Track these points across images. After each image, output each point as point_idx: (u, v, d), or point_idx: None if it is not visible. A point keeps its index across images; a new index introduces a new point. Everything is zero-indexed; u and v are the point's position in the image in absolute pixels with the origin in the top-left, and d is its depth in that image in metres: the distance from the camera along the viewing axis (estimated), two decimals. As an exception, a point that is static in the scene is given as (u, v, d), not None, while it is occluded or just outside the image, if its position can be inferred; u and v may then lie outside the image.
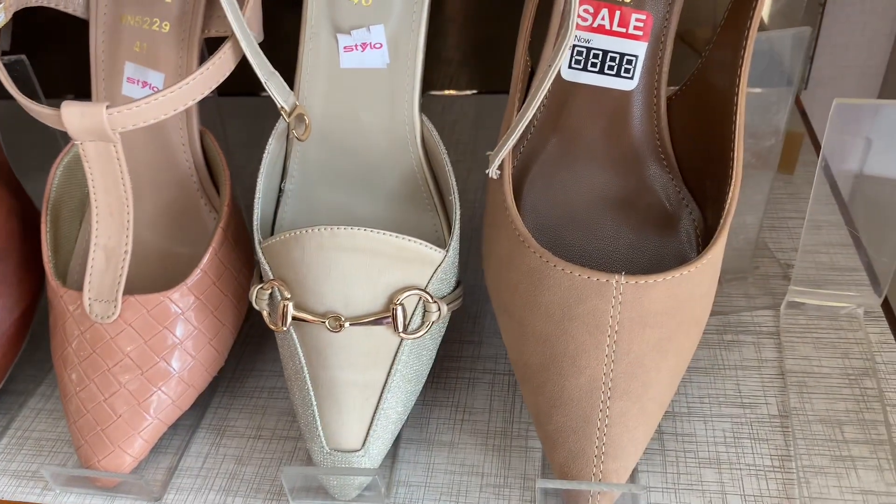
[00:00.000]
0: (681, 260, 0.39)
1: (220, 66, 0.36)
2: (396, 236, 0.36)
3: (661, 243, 0.40)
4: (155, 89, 0.43)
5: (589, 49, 0.38)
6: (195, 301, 0.40)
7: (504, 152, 0.35)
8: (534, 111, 0.33)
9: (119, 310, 0.39)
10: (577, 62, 0.38)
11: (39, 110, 0.35)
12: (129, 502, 0.40)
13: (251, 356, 0.47)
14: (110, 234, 0.39)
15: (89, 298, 0.39)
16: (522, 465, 0.40)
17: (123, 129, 0.35)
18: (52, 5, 0.41)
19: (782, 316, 0.46)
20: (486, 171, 0.35)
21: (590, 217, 0.40)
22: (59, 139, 0.50)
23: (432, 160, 0.40)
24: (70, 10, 0.43)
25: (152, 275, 0.44)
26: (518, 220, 0.35)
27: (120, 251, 0.39)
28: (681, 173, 0.39)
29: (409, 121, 0.40)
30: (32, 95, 0.48)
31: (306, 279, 0.36)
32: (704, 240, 0.39)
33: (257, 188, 0.39)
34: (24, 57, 0.46)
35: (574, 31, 0.32)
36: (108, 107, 0.34)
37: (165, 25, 0.42)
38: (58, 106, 0.34)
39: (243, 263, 0.43)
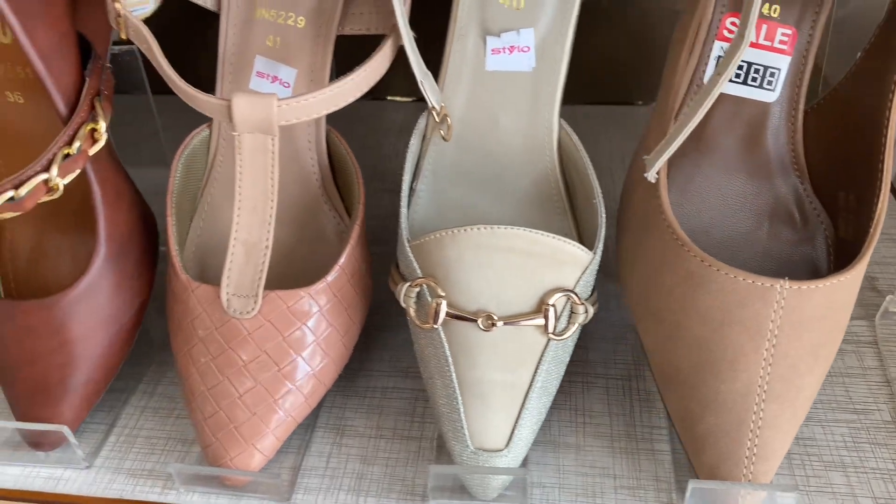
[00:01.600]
0: (812, 269, 0.40)
1: (382, 63, 0.36)
2: (553, 237, 0.36)
3: (792, 252, 0.41)
4: (286, 84, 0.42)
5: (735, 60, 0.39)
6: (332, 298, 0.40)
7: (664, 158, 0.35)
8: (699, 119, 0.34)
9: (259, 305, 0.38)
10: (722, 72, 0.39)
11: (206, 100, 0.34)
12: (255, 502, 0.40)
13: (357, 356, 0.47)
14: (251, 230, 0.38)
15: (227, 293, 0.38)
16: (653, 467, 0.40)
17: (286, 123, 0.35)
18: (186, -4, 0.41)
19: (878, 326, 0.48)
20: (645, 175, 0.36)
21: (724, 224, 0.41)
22: (160, 134, 0.49)
23: (570, 165, 0.41)
24: (200, 2, 0.42)
25: (270, 271, 0.43)
26: (675, 224, 0.36)
27: (261, 246, 0.38)
28: (812, 184, 0.41)
29: (548, 125, 0.40)
30: (141, 87, 0.47)
31: (460, 278, 0.36)
32: (835, 250, 0.40)
33: (403, 187, 0.39)
34: (135, 48, 0.45)
35: (748, 42, 0.33)
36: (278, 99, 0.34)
37: (301, 21, 0.42)
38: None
39: (368, 262, 0.43)
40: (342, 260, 0.40)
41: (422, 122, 0.40)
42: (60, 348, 0.40)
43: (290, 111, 0.34)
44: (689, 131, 0.34)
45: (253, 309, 0.38)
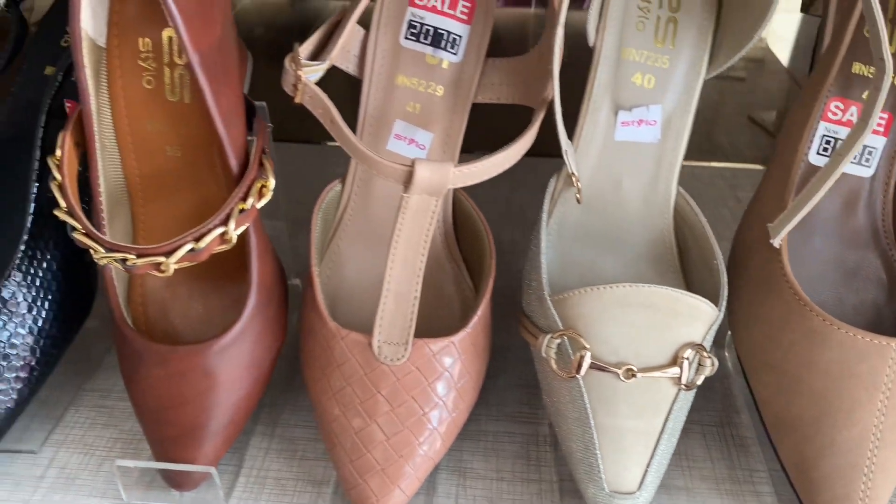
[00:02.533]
0: (900, 327, 0.45)
1: (534, 134, 0.40)
2: (689, 295, 0.39)
3: (879, 311, 0.45)
4: (422, 147, 0.45)
5: (836, 139, 0.43)
6: (470, 346, 0.42)
7: (791, 224, 0.39)
8: (825, 191, 0.38)
9: (409, 352, 0.41)
10: (825, 150, 0.43)
11: (387, 164, 0.37)
12: (394, 542, 0.41)
13: (465, 401, 0.50)
14: (402, 281, 0.41)
15: (379, 340, 0.41)
16: (761, 508, 0.44)
17: (454, 186, 0.38)
18: (335, 63, 0.44)
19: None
20: (771, 242, 0.40)
21: (821, 284, 0.45)
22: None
23: (684, 227, 0.45)
24: (344, 68, 0.45)
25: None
26: (797, 286, 0.40)
27: (410, 297, 0.41)
28: (898, 251, 0.45)
29: (666, 190, 0.44)
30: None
31: (603, 331, 0.39)
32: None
33: (541, 245, 0.42)
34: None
35: (871, 129, 0.37)
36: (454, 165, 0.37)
37: (440, 90, 0.45)
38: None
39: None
40: (480, 311, 0.42)
41: (552, 184, 0.44)
42: (210, 392, 0.41)
43: (461, 177, 0.37)
44: (812, 205, 0.39)
45: (403, 356, 0.41)
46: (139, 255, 0.37)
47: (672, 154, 0.44)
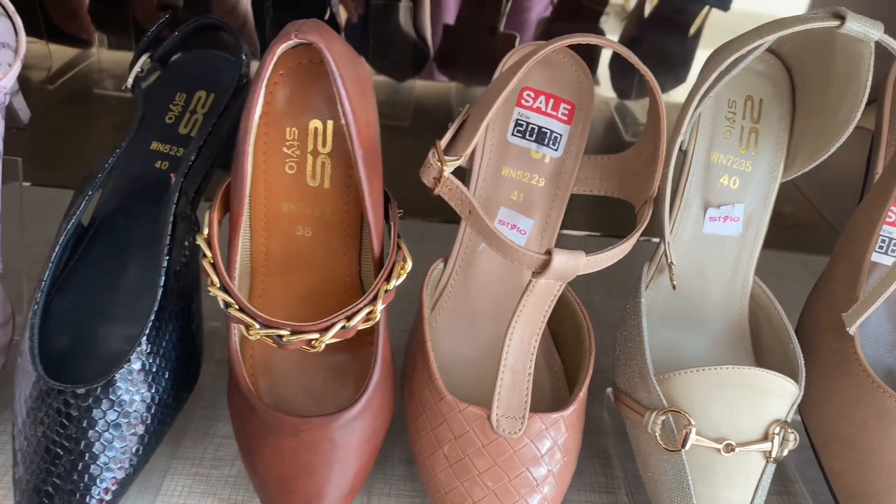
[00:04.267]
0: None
1: (644, 226, 0.44)
2: (779, 376, 0.44)
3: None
4: (523, 232, 0.49)
5: (891, 238, 0.50)
6: (576, 420, 0.45)
7: (866, 315, 0.45)
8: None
9: (525, 426, 0.44)
10: (880, 248, 0.50)
11: (525, 253, 0.40)
12: None
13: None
14: (518, 358, 0.44)
15: (497, 415, 0.44)
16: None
17: (582, 272, 0.42)
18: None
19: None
20: (847, 329, 0.45)
21: (883, 361, 0.50)
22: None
23: (760, 313, 0.50)
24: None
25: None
26: (869, 369, 0.45)
27: (525, 373, 0.44)
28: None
29: (745, 279, 0.49)
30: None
31: (703, 408, 0.43)
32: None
33: (643, 329, 0.46)
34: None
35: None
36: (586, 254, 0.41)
37: (542, 181, 0.49)
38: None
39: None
40: (585, 387, 0.46)
41: (645, 270, 0.48)
42: (336, 462, 0.43)
43: (588, 265, 0.41)
44: (885, 298, 0.44)
45: (520, 429, 0.43)
46: (293, 332, 0.40)
47: (751, 246, 0.49)
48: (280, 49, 0.38)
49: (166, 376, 0.45)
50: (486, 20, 0.96)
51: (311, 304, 0.47)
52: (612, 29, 1.05)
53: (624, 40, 1.04)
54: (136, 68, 0.48)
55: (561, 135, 0.49)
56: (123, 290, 0.49)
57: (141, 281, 0.49)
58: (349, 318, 0.40)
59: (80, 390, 0.42)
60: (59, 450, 0.42)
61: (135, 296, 0.49)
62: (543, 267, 0.41)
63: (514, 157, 0.50)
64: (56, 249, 0.45)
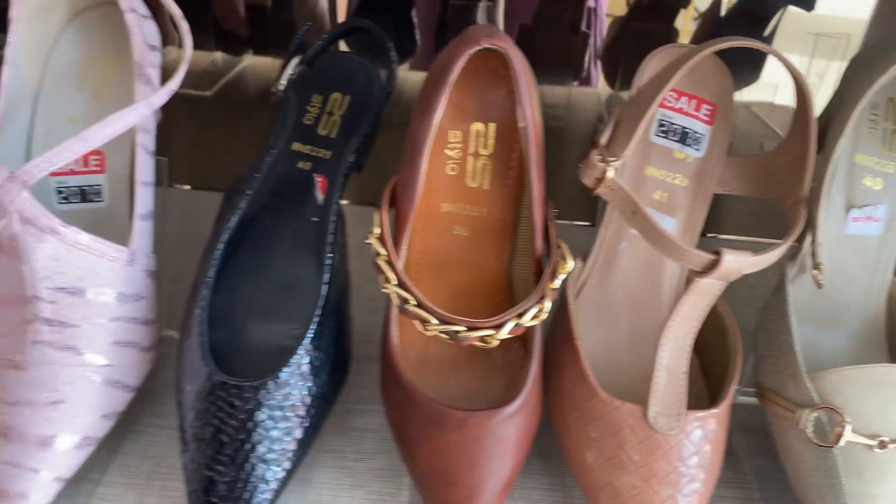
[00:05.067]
0: None
1: (800, 228, 0.45)
2: (931, 375, 0.45)
3: None
4: (666, 232, 0.50)
5: None
6: (726, 417, 0.46)
7: None
8: None
9: (681, 423, 0.44)
10: None
11: (695, 253, 0.41)
12: None
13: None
14: (673, 356, 0.45)
15: (654, 411, 0.44)
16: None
17: (746, 272, 0.42)
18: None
19: None
20: None
21: None
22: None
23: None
24: (598, 159, 0.50)
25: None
26: None
27: (680, 371, 0.45)
28: None
29: (884, 278, 0.50)
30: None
31: (857, 406, 0.44)
32: None
33: (791, 327, 0.47)
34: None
35: None
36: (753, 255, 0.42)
37: (684, 181, 0.50)
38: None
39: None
40: (735, 384, 0.47)
41: (789, 269, 0.49)
42: (497, 455, 0.44)
43: (753, 265, 0.42)
44: None
45: (676, 426, 0.44)
46: (469, 328, 0.41)
47: (891, 247, 0.50)
48: (468, 54, 0.39)
49: (325, 371, 0.46)
50: (566, 19, 0.97)
51: (460, 301, 0.48)
52: (683, 27, 1.05)
53: (698, 39, 1.05)
54: (288, 71, 0.50)
55: (703, 135, 0.50)
56: (273, 287, 0.50)
57: (290, 278, 0.51)
58: (520, 316, 0.41)
59: (250, 384, 0.43)
60: (226, 440, 0.43)
61: (285, 292, 0.50)
62: (711, 267, 0.41)
63: (658, 156, 0.51)
64: (219, 247, 0.47)
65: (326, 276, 0.46)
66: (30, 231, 0.42)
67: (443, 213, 0.46)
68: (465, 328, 0.41)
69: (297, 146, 0.53)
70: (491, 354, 0.48)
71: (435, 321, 0.41)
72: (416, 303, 0.41)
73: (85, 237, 0.44)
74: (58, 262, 0.44)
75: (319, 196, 0.53)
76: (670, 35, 1.03)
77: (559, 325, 0.49)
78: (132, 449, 0.51)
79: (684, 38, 1.05)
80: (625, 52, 1.03)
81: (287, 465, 0.44)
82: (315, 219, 0.52)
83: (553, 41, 1.01)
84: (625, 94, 1.01)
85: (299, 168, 0.54)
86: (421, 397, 0.44)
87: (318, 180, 0.53)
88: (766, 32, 1.04)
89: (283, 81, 0.49)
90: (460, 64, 0.39)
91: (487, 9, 1.04)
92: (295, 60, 0.50)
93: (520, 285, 0.47)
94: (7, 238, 0.43)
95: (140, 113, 0.45)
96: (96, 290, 0.45)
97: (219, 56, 1.05)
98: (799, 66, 0.99)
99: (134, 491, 0.48)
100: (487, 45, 0.38)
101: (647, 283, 0.51)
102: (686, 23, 1.04)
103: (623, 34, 1.04)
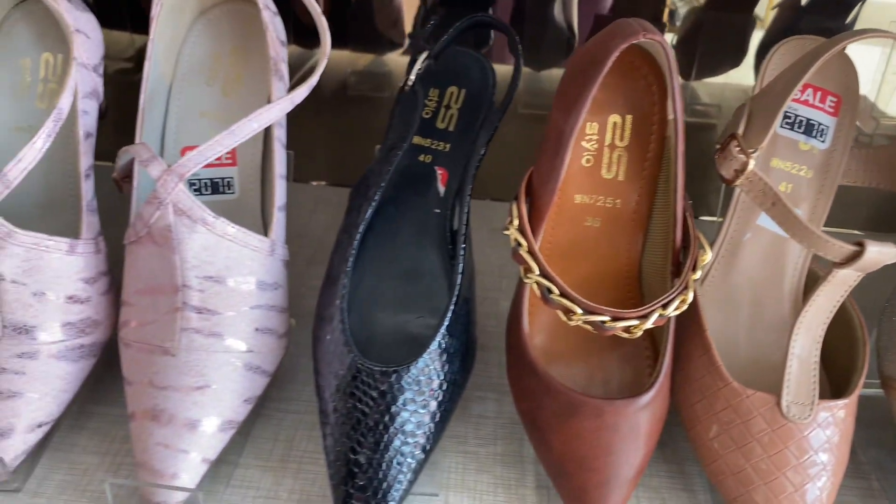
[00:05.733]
0: None
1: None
2: None
3: None
4: (790, 223, 0.51)
5: None
6: (853, 408, 0.47)
7: None
8: None
9: (814, 412, 0.45)
10: None
11: (836, 244, 0.42)
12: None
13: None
14: (805, 346, 0.46)
15: (787, 401, 0.45)
16: None
17: (883, 265, 0.43)
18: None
19: None
20: None
21: None
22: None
23: None
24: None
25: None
26: None
27: (811, 361, 0.46)
28: None
29: None
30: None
31: None
32: None
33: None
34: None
35: None
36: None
37: (809, 172, 0.50)
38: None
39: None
40: (863, 377, 0.47)
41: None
42: (632, 442, 0.45)
43: (887, 257, 0.42)
44: None
45: (809, 415, 0.45)
46: (614, 318, 0.41)
47: None
48: (622, 48, 0.39)
49: (458, 358, 0.47)
50: (648, 10, 0.96)
51: (585, 291, 0.49)
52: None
53: (777, 28, 1.04)
54: (418, 66, 0.51)
55: (828, 126, 0.50)
56: (398, 276, 0.52)
57: (414, 268, 0.52)
58: (664, 307, 0.42)
59: (392, 370, 0.44)
60: (368, 424, 0.44)
61: (410, 281, 0.52)
62: (852, 258, 0.42)
63: (783, 148, 0.51)
64: (356, 238, 0.48)
65: (460, 266, 0.47)
66: (183, 222, 0.44)
67: (575, 204, 0.47)
68: (609, 318, 0.41)
69: (416, 139, 0.55)
70: (617, 345, 0.49)
71: (580, 311, 0.41)
72: (559, 292, 0.42)
73: (232, 228, 0.45)
74: (207, 252, 0.45)
75: (441, 188, 0.54)
76: (747, 26, 1.02)
77: (686, 314, 0.50)
78: (263, 433, 0.52)
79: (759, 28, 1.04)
80: (702, 43, 1.02)
81: (424, 448, 0.46)
82: (437, 210, 0.54)
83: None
84: (695, 84, 1.00)
85: (420, 161, 0.55)
86: (557, 385, 0.45)
87: (440, 173, 0.54)
88: (847, 20, 1.02)
89: (413, 76, 0.50)
90: (614, 57, 0.40)
91: (564, 1, 1.04)
92: (423, 55, 0.51)
93: (649, 277, 0.48)
94: (160, 228, 0.44)
95: (283, 108, 0.46)
96: (241, 278, 0.47)
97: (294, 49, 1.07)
98: (880, 57, 0.98)
99: (270, 473, 0.50)
100: (644, 39, 0.39)
101: (769, 275, 0.51)
102: (766, 11, 1.03)
103: (699, 24, 1.03)
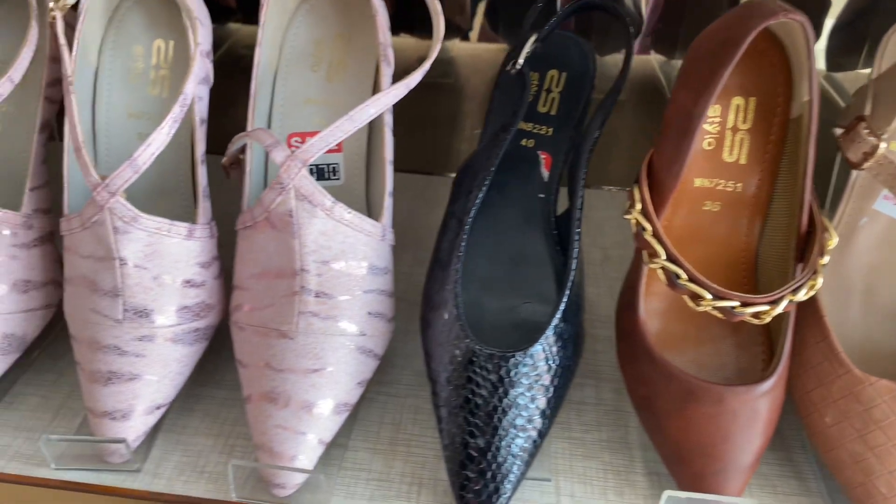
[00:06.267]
0: None
1: None
2: None
3: None
4: (909, 208, 0.50)
5: None
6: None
7: None
8: None
9: (938, 400, 0.44)
10: None
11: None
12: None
13: None
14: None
15: (913, 388, 0.44)
16: None
17: None
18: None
19: None
20: None
21: None
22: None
23: None
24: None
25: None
26: None
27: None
28: None
29: None
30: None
31: None
32: None
33: None
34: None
35: None
36: None
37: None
38: None
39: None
40: None
41: None
42: (751, 429, 0.44)
43: None
44: None
45: (933, 403, 0.44)
46: (743, 304, 0.41)
47: None
48: (760, 28, 0.39)
49: (571, 343, 0.47)
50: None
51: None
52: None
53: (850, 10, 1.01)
54: (527, 49, 0.50)
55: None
56: (503, 261, 0.52)
57: (520, 253, 0.52)
58: (794, 292, 0.41)
59: (509, 354, 0.44)
60: (488, 408, 0.44)
61: (515, 266, 0.51)
62: None
63: (898, 132, 0.50)
64: (467, 223, 0.48)
65: (575, 251, 0.47)
66: (304, 207, 0.44)
67: (695, 188, 0.46)
68: (739, 303, 0.41)
69: (519, 124, 0.54)
70: (731, 331, 0.49)
71: (709, 296, 0.41)
72: (687, 277, 0.41)
73: (349, 214, 0.46)
74: (325, 237, 0.46)
75: (545, 173, 0.54)
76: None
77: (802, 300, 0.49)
78: (369, 415, 0.53)
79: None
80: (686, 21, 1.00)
81: (540, 433, 0.46)
82: (541, 195, 0.53)
83: (707, 17, 0.98)
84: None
85: (523, 145, 0.55)
86: (676, 371, 0.45)
87: (543, 157, 0.54)
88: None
89: (521, 60, 0.50)
90: (751, 38, 0.39)
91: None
92: (531, 38, 0.50)
93: (768, 262, 0.47)
94: (281, 213, 0.45)
95: (399, 93, 0.46)
96: (355, 263, 0.47)
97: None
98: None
99: (380, 456, 0.50)
100: (785, 19, 0.38)
101: (885, 260, 0.50)
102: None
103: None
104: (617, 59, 0.94)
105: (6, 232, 0.49)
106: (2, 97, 0.46)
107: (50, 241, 0.53)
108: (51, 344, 0.57)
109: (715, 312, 0.42)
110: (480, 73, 1.10)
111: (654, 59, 1.07)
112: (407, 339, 0.59)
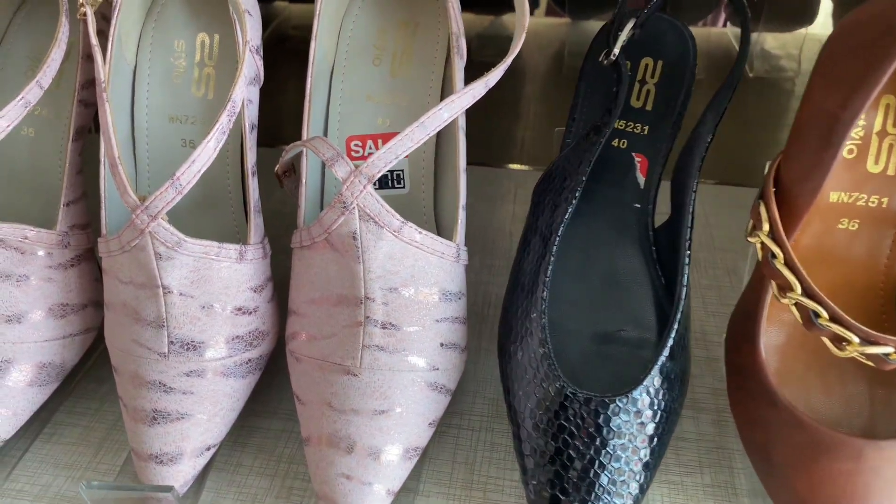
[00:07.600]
0: None
1: None
2: None
3: None
4: None
5: None
6: None
7: None
8: None
9: None
10: None
11: None
12: None
13: None
14: None
15: None
16: None
17: None
18: None
19: None
20: None
21: None
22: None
23: None
24: None
25: None
26: None
27: None
28: None
29: None
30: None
31: None
32: None
33: None
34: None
35: None
36: None
37: None
38: None
39: None
40: None
41: None
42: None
43: None
44: None
45: None
46: (899, 349, 0.34)
47: None
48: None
49: (678, 383, 0.41)
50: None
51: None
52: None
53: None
54: (624, 36, 0.43)
55: None
56: (593, 282, 0.45)
57: (612, 272, 0.45)
58: (962, 333, 0.34)
59: (608, 399, 0.38)
60: (581, 460, 0.38)
61: (608, 288, 0.45)
62: None
63: None
64: (555, 242, 0.42)
65: (685, 278, 0.40)
66: (369, 228, 0.38)
67: (829, 203, 0.39)
68: (893, 349, 0.34)
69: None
70: (865, 370, 0.41)
71: (856, 339, 0.34)
72: (829, 316, 0.34)
73: (419, 234, 0.40)
74: (392, 262, 0.40)
75: (640, 178, 0.47)
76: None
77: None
78: (440, 453, 0.47)
79: None
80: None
81: (639, 489, 0.40)
82: (637, 205, 0.47)
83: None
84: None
85: (614, 146, 0.48)
86: (804, 419, 0.38)
87: (638, 160, 0.47)
88: None
89: (617, 49, 0.43)
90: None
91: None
92: (629, 23, 0.43)
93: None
94: (343, 235, 0.39)
95: (476, 94, 0.40)
96: (426, 289, 0.41)
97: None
98: None
99: (453, 503, 0.45)
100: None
101: None
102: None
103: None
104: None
105: (41, 252, 0.45)
106: (30, 105, 0.41)
107: (88, 258, 0.48)
108: (93, 366, 0.53)
109: (862, 359, 0.35)
110: (543, 50, 1.03)
111: (730, 31, 0.98)
112: (478, 360, 0.53)
